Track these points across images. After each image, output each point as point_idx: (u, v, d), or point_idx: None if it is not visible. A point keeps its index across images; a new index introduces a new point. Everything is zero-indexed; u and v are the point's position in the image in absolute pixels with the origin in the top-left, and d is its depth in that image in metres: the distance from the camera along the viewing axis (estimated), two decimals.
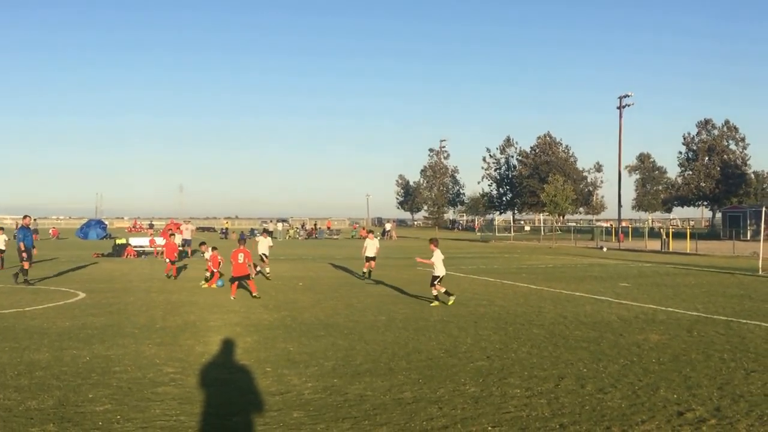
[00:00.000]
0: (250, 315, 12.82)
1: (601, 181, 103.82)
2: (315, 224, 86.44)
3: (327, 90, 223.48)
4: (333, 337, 10.33)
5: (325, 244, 53.76)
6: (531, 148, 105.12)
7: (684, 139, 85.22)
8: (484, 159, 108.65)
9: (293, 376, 7.76)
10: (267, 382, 7.51)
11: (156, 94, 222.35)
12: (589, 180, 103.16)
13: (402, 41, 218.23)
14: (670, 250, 39.09)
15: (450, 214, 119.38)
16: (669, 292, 16.88)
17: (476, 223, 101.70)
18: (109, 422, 5.99)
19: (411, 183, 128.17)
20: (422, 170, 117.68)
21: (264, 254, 21.03)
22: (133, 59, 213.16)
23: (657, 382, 7.49)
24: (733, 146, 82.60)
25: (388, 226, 72.48)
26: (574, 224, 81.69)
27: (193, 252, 31.91)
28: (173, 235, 22.54)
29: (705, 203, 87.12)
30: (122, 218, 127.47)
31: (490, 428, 5.88)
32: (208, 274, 18.27)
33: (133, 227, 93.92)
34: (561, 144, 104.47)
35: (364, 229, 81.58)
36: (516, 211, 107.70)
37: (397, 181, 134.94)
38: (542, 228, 78.53)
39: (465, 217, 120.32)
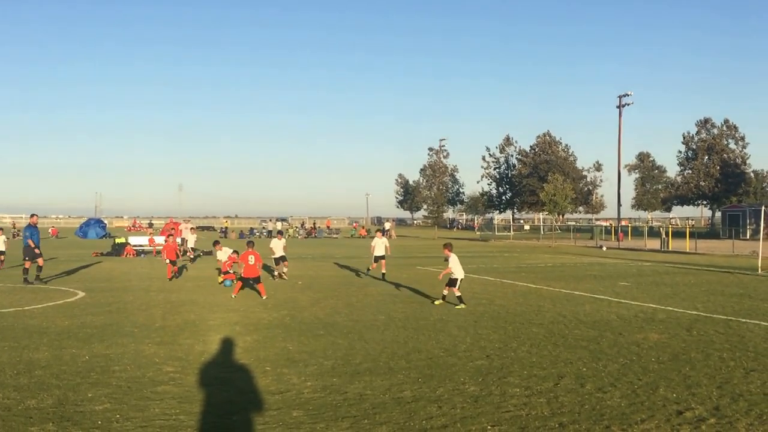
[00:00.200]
0: (250, 314, 12.81)
1: (601, 180, 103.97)
2: (314, 223, 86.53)
3: (327, 89, 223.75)
4: (332, 336, 10.33)
5: (325, 243, 53.75)
6: (530, 147, 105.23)
7: (683, 138, 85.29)
8: (483, 158, 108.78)
9: (293, 375, 7.76)
10: (266, 381, 7.51)
11: (156, 93, 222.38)
12: (588, 179, 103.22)
13: (402, 40, 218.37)
14: (670, 249, 39.11)
15: (450, 213, 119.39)
16: (668, 291, 16.89)
17: (475, 222, 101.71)
18: (109, 421, 5.99)
19: (410, 182, 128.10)
20: (422, 169, 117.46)
21: (281, 256, 20.03)
22: (132, 58, 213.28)
23: (656, 381, 7.49)
24: (732, 145, 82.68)
25: (387, 225, 72.55)
26: (574, 223, 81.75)
27: (193, 251, 31.86)
28: (171, 235, 22.52)
29: (704, 202, 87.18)
30: (121, 217, 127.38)
31: (489, 427, 5.88)
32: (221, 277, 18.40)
33: (133, 226, 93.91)
34: (561, 143, 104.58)
35: (363, 228, 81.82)
36: (515, 210, 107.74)
37: (396, 180, 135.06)
38: (542, 227, 78.62)
39: (465, 216, 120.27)
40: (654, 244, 42.42)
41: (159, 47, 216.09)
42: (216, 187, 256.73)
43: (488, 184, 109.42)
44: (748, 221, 54.71)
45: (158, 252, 32.59)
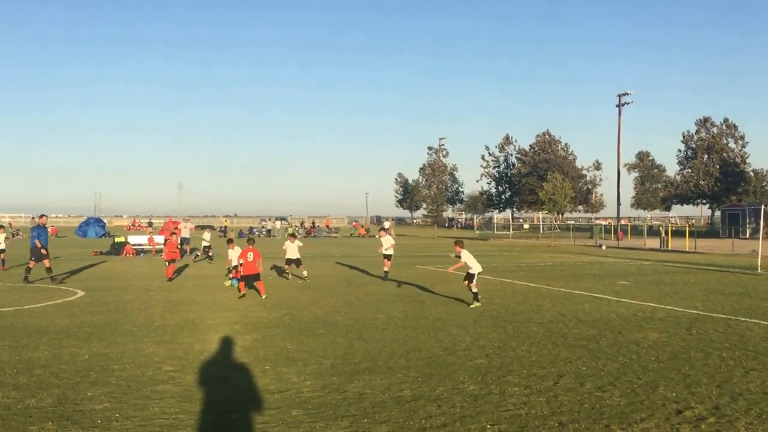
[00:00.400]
0: (249, 313, 12.81)
1: (600, 179, 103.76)
2: (313, 222, 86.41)
3: (326, 88, 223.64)
4: (332, 336, 10.33)
5: (324, 242, 53.74)
6: (530, 146, 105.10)
7: (683, 137, 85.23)
8: (483, 157, 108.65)
9: (292, 374, 7.76)
10: (266, 380, 7.51)
11: (155, 92, 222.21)
12: (588, 178, 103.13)
13: (401, 40, 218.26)
14: (669, 248, 39.12)
15: (449, 212, 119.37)
16: (668, 290, 16.89)
17: (474, 221, 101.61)
18: (108, 420, 5.99)
19: (410, 181, 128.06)
20: (421, 168, 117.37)
21: (296, 259, 19.59)
22: (132, 56, 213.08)
23: (656, 380, 7.49)
24: (732, 144, 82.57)
25: (387, 224, 72.49)
26: (573, 222, 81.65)
27: (192, 250, 31.86)
28: (174, 233, 22.46)
29: (704, 201, 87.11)
30: (121, 216, 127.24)
31: (488, 426, 5.88)
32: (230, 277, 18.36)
33: (132, 225, 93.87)
34: (560, 142, 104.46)
35: (363, 227, 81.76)
36: (515, 210, 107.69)
37: (396, 179, 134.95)
38: (541, 226, 78.68)
39: (464, 215, 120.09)
40: (653, 243, 42.42)
41: (159, 46, 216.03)
42: (216, 187, 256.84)
43: (488, 183, 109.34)
44: (747, 220, 54.70)
45: (158, 251, 32.62)
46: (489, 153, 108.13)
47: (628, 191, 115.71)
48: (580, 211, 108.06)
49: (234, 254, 18.71)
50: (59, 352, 8.87)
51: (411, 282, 18.69)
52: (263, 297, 14.91)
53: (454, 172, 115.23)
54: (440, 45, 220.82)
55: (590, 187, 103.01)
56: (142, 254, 32.72)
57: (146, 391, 6.96)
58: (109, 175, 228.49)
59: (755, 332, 10.73)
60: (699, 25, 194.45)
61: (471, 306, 13.52)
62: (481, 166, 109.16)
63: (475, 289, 13.74)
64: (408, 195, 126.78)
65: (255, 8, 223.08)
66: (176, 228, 29.89)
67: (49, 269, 18.61)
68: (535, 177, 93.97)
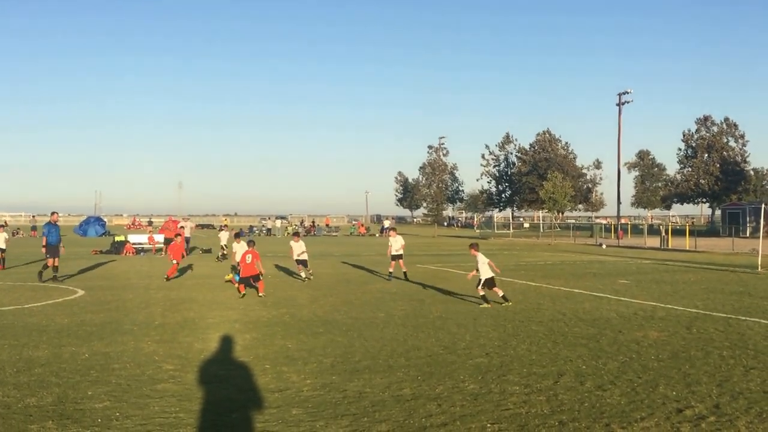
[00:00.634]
0: (249, 312, 12.81)
1: (601, 178, 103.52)
2: (313, 221, 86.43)
3: (326, 87, 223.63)
4: (332, 334, 10.33)
5: (324, 241, 53.72)
6: (530, 145, 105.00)
7: (683, 135, 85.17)
8: (483, 156, 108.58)
9: (292, 373, 7.75)
10: (266, 379, 7.51)
11: (155, 92, 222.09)
12: (588, 177, 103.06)
13: (401, 37, 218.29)
14: (670, 247, 39.10)
15: (449, 211, 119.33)
16: (668, 289, 16.89)
17: (475, 220, 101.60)
18: (108, 419, 5.99)
19: (410, 180, 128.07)
20: (421, 167, 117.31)
21: (303, 260, 19.25)
22: (132, 56, 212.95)
23: (656, 379, 7.49)
24: (732, 143, 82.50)
25: (387, 223, 72.47)
26: (573, 221, 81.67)
27: (192, 249, 31.86)
28: (179, 235, 22.44)
29: (704, 200, 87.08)
30: (121, 215, 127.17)
31: (489, 425, 5.88)
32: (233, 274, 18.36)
33: (132, 224, 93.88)
34: (560, 141, 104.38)
35: (363, 226, 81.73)
36: (515, 208, 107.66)
37: (396, 178, 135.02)
38: (541, 225, 78.66)
39: (464, 214, 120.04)
40: (654, 241, 42.41)
41: (159, 45, 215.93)
42: (216, 186, 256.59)
43: (488, 182, 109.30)
44: (747, 219, 54.68)
45: (158, 250, 32.62)
46: (489, 152, 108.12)
47: (629, 190, 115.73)
48: (580, 210, 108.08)
49: (240, 248, 18.65)
50: (59, 351, 8.87)
51: (411, 281, 18.68)
52: (261, 295, 14.92)
53: (455, 171, 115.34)
54: (440, 44, 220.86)
55: (590, 185, 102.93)
56: (142, 253, 32.71)
57: (146, 390, 6.96)
58: (109, 174, 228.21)
59: (755, 331, 10.73)
60: (699, 24, 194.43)
61: (481, 306, 13.31)
62: (481, 164, 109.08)
63: (482, 292, 13.66)
64: (408, 194, 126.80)
65: (254, 5, 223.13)
66: (180, 228, 29.84)
67: (56, 268, 18.62)
68: (535, 176, 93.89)
